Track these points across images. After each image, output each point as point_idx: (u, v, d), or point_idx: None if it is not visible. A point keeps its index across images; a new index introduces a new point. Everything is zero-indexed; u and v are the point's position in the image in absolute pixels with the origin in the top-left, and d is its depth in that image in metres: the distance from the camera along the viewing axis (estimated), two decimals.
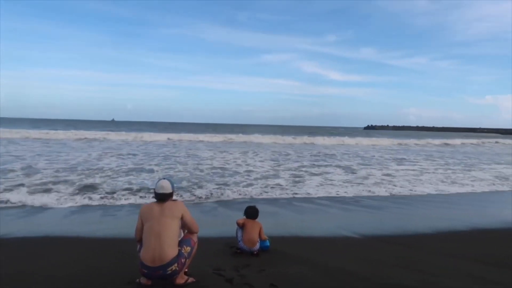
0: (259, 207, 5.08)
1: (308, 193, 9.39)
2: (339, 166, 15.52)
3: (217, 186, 9.85)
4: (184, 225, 3.71)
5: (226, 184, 10.26)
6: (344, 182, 11.22)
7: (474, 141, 43.05)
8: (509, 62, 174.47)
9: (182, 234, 3.78)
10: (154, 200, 3.71)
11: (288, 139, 35.79)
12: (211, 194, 8.89)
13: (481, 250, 5.06)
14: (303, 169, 14.29)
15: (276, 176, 12.23)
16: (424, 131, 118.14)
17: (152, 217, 3.54)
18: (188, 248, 3.64)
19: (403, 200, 8.99)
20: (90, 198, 8.17)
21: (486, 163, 18.52)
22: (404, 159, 20.04)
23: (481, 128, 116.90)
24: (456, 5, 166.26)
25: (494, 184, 11.67)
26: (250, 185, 10.29)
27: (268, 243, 4.81)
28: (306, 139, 36.06)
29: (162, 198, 3.65)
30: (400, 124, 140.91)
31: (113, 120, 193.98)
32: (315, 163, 16.71)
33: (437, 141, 39.21)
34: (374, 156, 21.58)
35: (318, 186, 10.51)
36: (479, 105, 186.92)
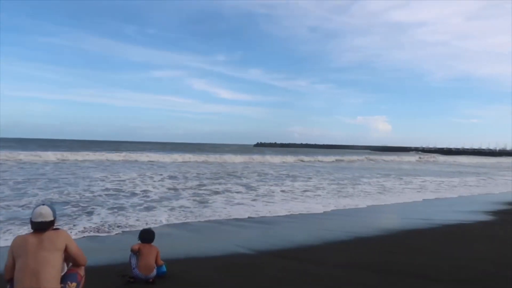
0: (156, 230, 4.87)
1: (212, 213, 9.32)
2: (239, 184, 15.85)
3: (109, 211, 9.11)
4: (68, 258, 3.25)
5: (121, 208, 9.57)
6: (244, 199, 11.50)
7: (355, 157, 48.34)
8: (374, 87, 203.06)
9: (66, 268, 3.31)
10: (31, 230, 3.17)
11: (186, 156, 35.39)
12: (104, 220, 8.18)
13: (363, 257, 5.64)
14: (204, 188, 14.21)
15: (176, 197, 11.88)
16: (308, 148, 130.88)
17: (27, 252, 3.01)
18: (74, 284, 3.23)
19: (297, 217, 9.34)
20: None
21: (369, 177, 20.94)
22: (298, 175, 21.43)
23: (356, 145, 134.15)
24: (332, 35, 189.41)
25: (378, 199, 12.89)
26: (149, 208, 9.78)
27: (164, 268, 4.58)
28: (205, 156, 36.06)
29: (41, 227, 3.13)
30: (287, 142, 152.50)
31: None
32: (215, 181, 16.80)
33: (327, 158, 43.07)
34: (269, 173, 22.63)
35: (222, 205, 10.55)
36: (353, 124, 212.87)
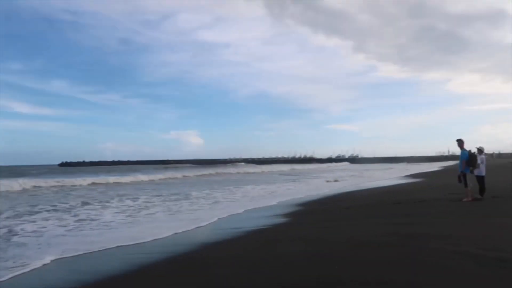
0: None
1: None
2: (55, 210, 13.50)
3: None
4: None
5: None
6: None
7: (178, 174, 48.38)
8: (186, 102, 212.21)
9: None
10: None
11: None
12: None
13: None
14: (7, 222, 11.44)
15: None
16: (121, 165, 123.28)
17: None
18: None
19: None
20: None
21: (198, 191, 21.28)
22: (126, 194, 19.93)
23: (170, 160, 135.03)
24: (145, 49, 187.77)
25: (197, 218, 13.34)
26: None
27: None
28: None
29: None
30: (97, 160, 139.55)
31: None
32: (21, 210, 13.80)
33: (145, 177, 38.93)
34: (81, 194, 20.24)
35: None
36: (166, 139, 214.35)
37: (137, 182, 32.85)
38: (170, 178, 38.34)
